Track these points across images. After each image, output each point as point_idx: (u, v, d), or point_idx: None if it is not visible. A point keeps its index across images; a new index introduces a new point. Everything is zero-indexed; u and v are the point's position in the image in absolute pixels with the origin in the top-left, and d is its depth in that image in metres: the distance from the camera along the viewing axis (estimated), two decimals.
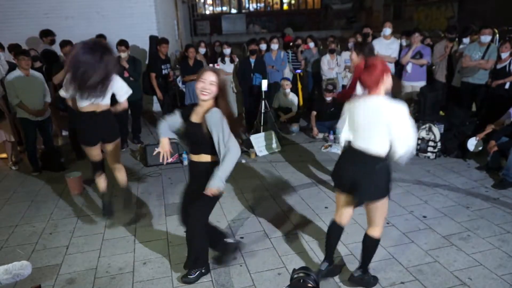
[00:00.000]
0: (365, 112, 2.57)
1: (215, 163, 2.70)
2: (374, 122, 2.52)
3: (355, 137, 2.67)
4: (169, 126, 2.86)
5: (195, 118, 2.73)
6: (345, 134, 2.79)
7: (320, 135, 6.42)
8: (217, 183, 2.62)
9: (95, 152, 3.79)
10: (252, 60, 6.61)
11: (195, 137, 2.71)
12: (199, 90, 2.63)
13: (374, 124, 2.53)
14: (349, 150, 2.72)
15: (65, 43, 5.81)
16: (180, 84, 6.80)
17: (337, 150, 5.74)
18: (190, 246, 2.95)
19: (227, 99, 2.71)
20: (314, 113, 6.44)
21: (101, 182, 3.93)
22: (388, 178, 2.61)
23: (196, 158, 2.77)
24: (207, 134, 2.63)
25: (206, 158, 2.74)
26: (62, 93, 3.82)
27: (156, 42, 6.83)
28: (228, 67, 6.92)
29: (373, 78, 2.52)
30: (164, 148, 2.85)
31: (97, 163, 3.86)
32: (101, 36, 6.64)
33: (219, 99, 2.67)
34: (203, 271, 3.03)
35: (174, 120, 2.85)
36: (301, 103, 7.37)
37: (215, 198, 2.79)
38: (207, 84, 2.61)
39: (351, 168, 2.64)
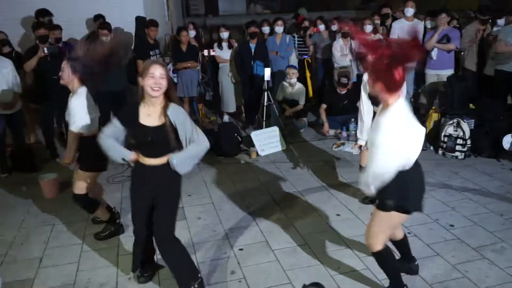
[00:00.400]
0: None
1: None
2: None
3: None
4: (117, 140, 2.83)
5: (149, 120, 2.74)
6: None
7: (332, 132, 6.41)
8: (176, 162, 2.70)
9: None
10: (252, 45, 6.59)
11: (160, 140, 2.73)
12: (150, 87, 2.66)
13: None
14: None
15: (38, 25, 5.81)
16: (170, 74, 6.80)
17: (350, 148, 5.74)
18: (169, 264, 2.96)
19: (175, 92, 2.83)
20: (324, 106, 6.44)
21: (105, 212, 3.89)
22: None
23: (158, 161, 2.79)
24: (173, 133, 2.72)
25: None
26: (83, 122, 3.42)
27: (143, 24, 6.83)
28: (225, 53, 6.91)
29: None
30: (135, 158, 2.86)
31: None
32: (100, 17, 6.73)
33: (170, 92, 2.75)
34: (196, 286, 3.02)
35: (116, 131, 2.82)
36: (311, 94, 7.35)
37: (178, 201, 2.96)
38: (157, 79, 2.65)
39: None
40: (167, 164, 2.77)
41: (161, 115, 2.71)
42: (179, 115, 2.71)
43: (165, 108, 2.71)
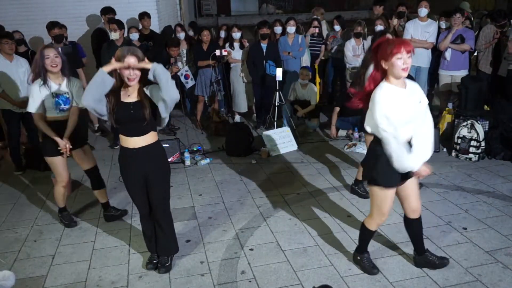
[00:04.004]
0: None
1: (159, 141, 3.18)
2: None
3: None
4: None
5: (128, 99, 3.01)
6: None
7: (343, 133, 6.38)
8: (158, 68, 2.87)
9: None
10: (264, 45, 6.58)
11: (139, 114, 2.98)
12: (126, 77, 2.91)
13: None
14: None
15: (52, 25, 5.88)
16: (182, 78, 6.82)
17: (362, 149, 5.70)
18: (165, 238, 3.31)
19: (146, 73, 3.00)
20: (338, 109, 6.37)
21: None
22: None
23: (143, 140, 3.05)
24: (151, 108, 2.99)
25: (154, 136, 3.11)
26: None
27: (172, 33, 6.93)
28: (237, 54, 6.91)
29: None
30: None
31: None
32: (110, 10, 6.81)
33: (143, 75, 2.97)
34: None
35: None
36: (317, 99, 7.26)
37: (169, 176, 3.25)
38: (131, 70, 2.89)
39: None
40: (154, 142, 3.10)
41: (138, 94, 3.01)
42: (155, 88, 2.97)
43: (141, 89, 3.01)
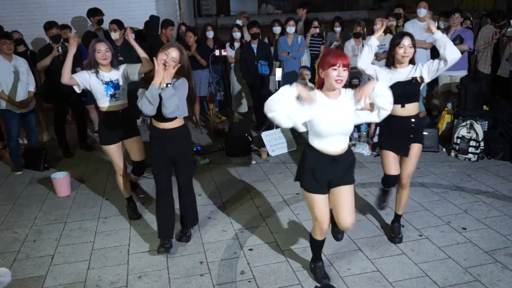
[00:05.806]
0: None
1: (185, 124, 3.48)
2: None
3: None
4: None
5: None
6: None
7: None
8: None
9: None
10: (254, 45, 6.56)
11: None
12: (162, 64, 3.14)
13: None
14: None
15: (50, 25, 5.87)
16: None
17: (362, 149, 5.70)
18: (191, 210, 3.63)
19: (192, 80, 3.35)
20: None
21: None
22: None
23: (172, 124, 3.35)
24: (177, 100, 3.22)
25: (181, 120, 3.41)
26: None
27: (158, 24, 6.89)
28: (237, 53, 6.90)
29: None
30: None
31: None
32: (97, 11, 6.75)
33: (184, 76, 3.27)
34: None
35: None
36: None
37: (192, 156, 3.69)
38: (169, 59, 3.16)
39: None
40: (180, 126, 3.39)
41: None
42: (181, 83, 3.24)
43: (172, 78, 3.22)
